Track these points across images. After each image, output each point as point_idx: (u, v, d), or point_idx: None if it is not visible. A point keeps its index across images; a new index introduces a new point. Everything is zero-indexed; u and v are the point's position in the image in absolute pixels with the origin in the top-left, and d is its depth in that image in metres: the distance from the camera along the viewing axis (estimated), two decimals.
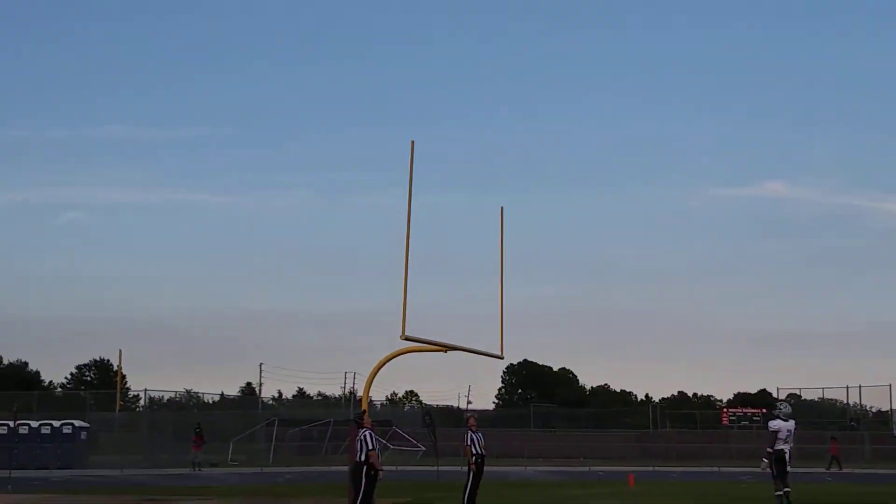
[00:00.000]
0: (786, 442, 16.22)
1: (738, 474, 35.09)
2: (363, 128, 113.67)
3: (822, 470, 37.42)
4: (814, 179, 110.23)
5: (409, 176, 15.64)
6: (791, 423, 16.42)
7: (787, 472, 16.15)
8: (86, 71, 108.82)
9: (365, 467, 15.17)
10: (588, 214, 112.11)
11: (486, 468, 19.42)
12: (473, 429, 19.32)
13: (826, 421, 55.66)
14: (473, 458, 19.01)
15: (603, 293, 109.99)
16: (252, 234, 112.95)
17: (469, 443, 19.08)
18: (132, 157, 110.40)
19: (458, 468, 29.54)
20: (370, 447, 15.26)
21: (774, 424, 16.42)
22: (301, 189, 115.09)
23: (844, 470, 37.98)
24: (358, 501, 15.13)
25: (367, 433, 15.38)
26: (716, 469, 39.25)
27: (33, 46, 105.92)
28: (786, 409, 16.73)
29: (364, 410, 16.12)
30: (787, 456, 16.15)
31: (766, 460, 16.39)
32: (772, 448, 16.23)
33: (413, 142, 15.77)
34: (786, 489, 16.06)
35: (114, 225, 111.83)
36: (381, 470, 15.55)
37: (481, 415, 57.75)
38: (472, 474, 19.09)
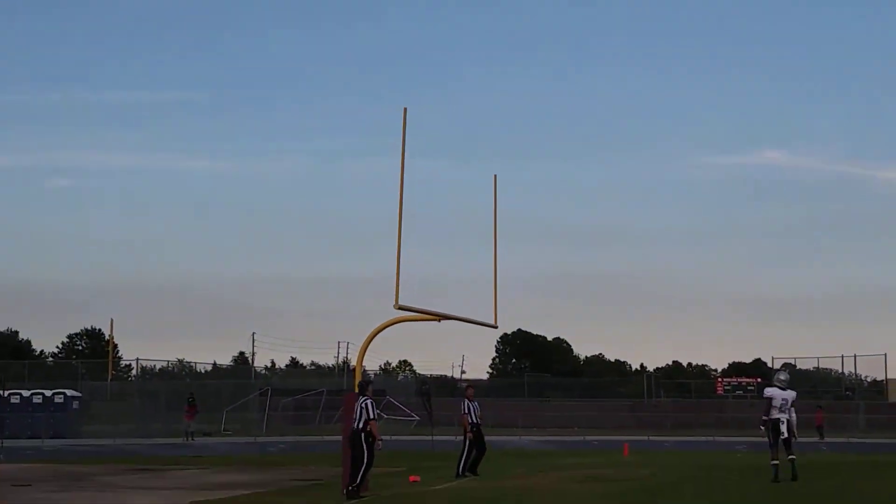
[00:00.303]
0: (781, 411, 15.99)
1: (732, 444, 35.10)
2: (357, 94, 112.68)
3: (817, 439, 37.45)
4: (811, 147, 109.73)
5: (401, 144, 15.40)
6: (789, 393, 16.16)
7: (788, 442, 15.94)
8: (79, 34, 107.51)
9: (363, 434, 15.00)
10: (583, 182, 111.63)
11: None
12: (471, 398, 19.19)
13: (821, 390, 55.74)
14: (470, 426, 18.88)
15: (597, 262, 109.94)
16: (245, 200, 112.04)
17: (466, 411, 18.94)
18: (124, 121, 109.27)
19: (453, 438, 29.51)
20: (371, 416, 15.08)
21: (769, 392, 16.28)
22: (294, 155, 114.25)
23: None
24: (363, 468, 14.99)
25: (368, 401, 15.22)
26: (710, 438, 39.24)
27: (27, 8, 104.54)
28: (783, 377, 16.51)
29: (369, 380, 15.97)
30: (782, 426, 15.93)
31: (762, 427, 16.24)
32: (766, 416, 16.05)
33: (405, 109, 15.50)
34: (790, 457, 15.86)
35: (105, 191, 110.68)
36: (380, 439, 15.40)
37: (475, 384, 57.71)
38: (468, 443, 18.96)
